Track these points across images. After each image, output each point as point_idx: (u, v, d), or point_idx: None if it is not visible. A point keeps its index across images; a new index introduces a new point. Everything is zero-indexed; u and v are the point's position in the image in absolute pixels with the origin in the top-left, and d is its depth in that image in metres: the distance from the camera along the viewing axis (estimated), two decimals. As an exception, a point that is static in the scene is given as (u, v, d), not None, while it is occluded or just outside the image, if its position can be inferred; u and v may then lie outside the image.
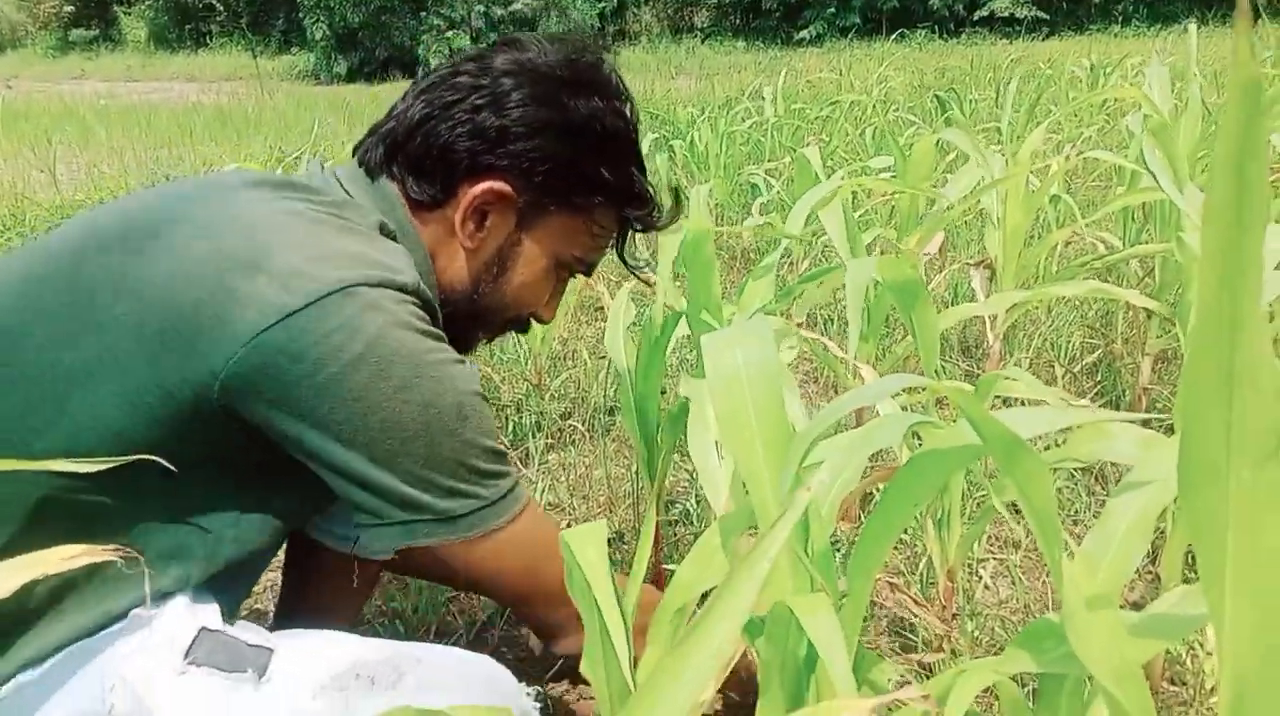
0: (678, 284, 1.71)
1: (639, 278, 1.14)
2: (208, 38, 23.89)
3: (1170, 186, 1.45)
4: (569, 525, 1.75)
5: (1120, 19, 16.51)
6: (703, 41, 18.32)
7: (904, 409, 1.12)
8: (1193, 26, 1.88)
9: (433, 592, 1.53)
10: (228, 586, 0.91)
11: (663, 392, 1.40)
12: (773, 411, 0.70)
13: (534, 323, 1.07)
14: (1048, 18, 16.99)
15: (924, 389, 1.24)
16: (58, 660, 0.81)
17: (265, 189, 0.88)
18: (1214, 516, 0.46)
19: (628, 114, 0.99)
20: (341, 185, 0.94)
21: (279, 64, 19.64)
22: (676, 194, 1.07)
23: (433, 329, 0.85)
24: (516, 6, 17.00)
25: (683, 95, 7.18)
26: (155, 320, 0.77)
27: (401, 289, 0.83)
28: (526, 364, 2.26)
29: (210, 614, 0.87)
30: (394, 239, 0.91)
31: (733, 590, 0.40)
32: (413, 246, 0.93)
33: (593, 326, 2.67)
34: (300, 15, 18.00)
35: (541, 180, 0.94)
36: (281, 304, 0.76)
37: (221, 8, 24.27)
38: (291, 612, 1.24)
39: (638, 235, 1.06)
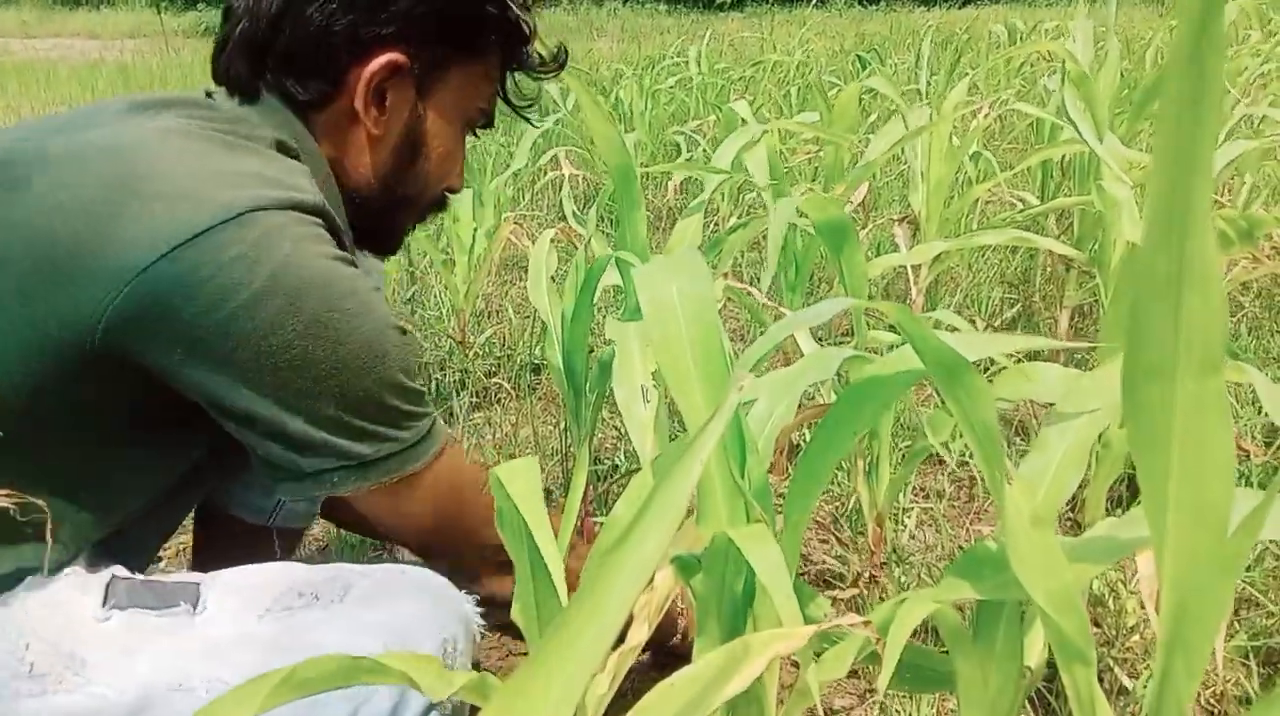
0: (602, 230, 1.68)
1: (525, 118, 1.05)
2: (109, -7, 22.81)
3: (1090, 135, 1.46)
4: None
5: (1034, -11, 16.83)
6: (624, 4, 18.14)
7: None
8: (1112, -16, 1.91)
9: (355, 555, 1.49)
10: (127, 551, 0.85)
11: (590, 351, 1.38)
12: (709, 341, 0.67)
13: (449, 196, 1.00)
14: (964, -13, 17.22)
15: (853, 339, 1.23)
16: None
17: (147, 110, 0.79)
18: (1158, 427, 0.45)
19: None
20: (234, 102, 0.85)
21: (184, 20, 18.87)
22: (559, 47, 0.99)
23: (343, 253, 0.78)
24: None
25: (605, 55, 7.09)
26: (28, 258, 0.70)
27: (306, 209, 0.75)
28: (450, 320, 2.21)
29: (116, 568, 0.81)
30: (295, 156, 0.83)
31: (654, 510, 0.37)
32: (313, 158, 0.85)
33: (518, 285, 2.62)
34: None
35: (432, 37, 0.85)
36: (169, 234, 0.68)
37: (122, -39, 23.16)
38: (206, 563, 1.17)
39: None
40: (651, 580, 0.76)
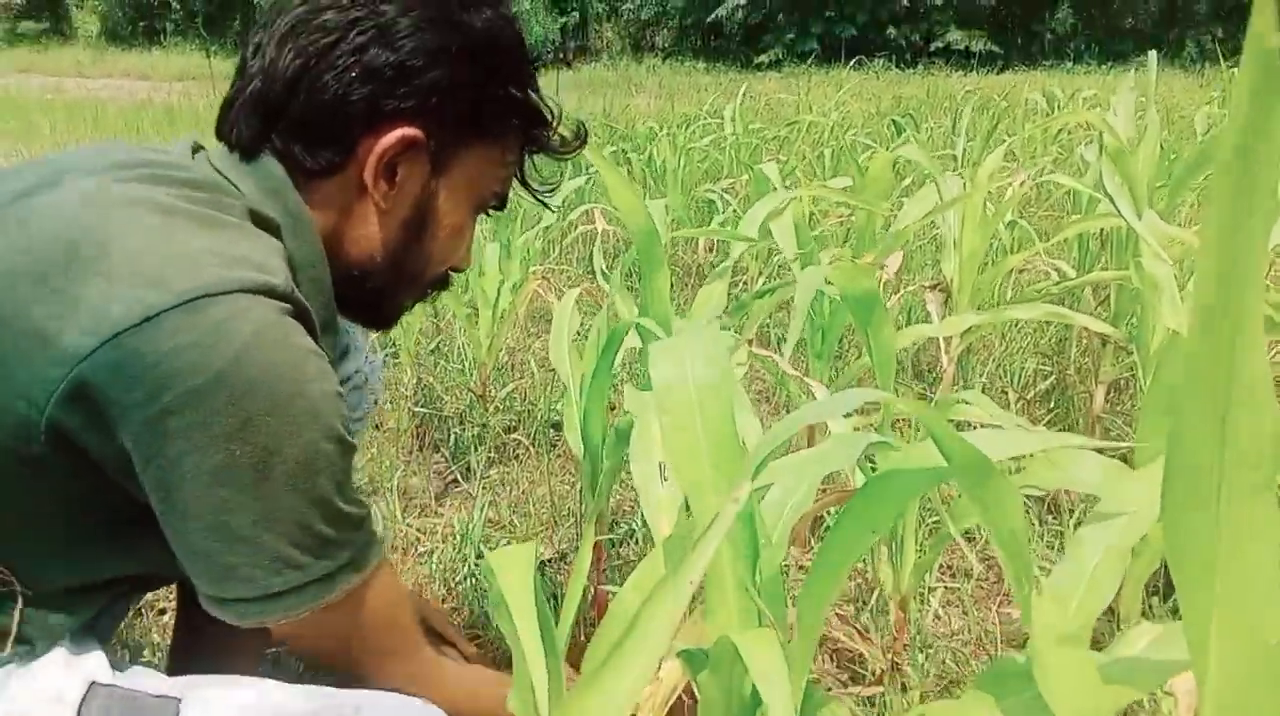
0: (628, 286, 1.66)
1: (542, 203, 1.01)
2: (162, 36, 23.47)
3: (1128, 211, 1.43)
4: (509, 544, 1.68)
5: (1072, 56, 16.91)
6: (663, 61, 18.41)
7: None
8: (1153, 54, 1.88)
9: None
10: (100, 617, 0.81)
11: (612, 408, 1.35)
12: (722, 425, 0.64)
13: (453, 275, 0.95)
14: (1001, 52, 17.35)
15: (880, 409, 1.20)
16: None
17: (112, 172, 0.73)
18: (1200, 549, 0.41)
19: (515, 20, 0.86)
20: (213, 166, 0.79)
21: (233, 65, 19.37)
22: (579, 125, 0.94)
23: (308, 344, 0.71)
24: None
25: (642, 111, 7.16)
26: None
27: (274, 294, 0.69)
28: (471, 374, 2.19)
29: (96, 662, 0.77)
30: (274, 229, 0.77)
31: (654, 609, 0.34)
32: (303, 228, 0.79)
33: (541, 338, 2.60)
34: (256, 16, 17.76)
35: (451, 116, 0.81)
36: (116, 318, 0.63)
37: (177, 5, 23.88)
38: (189, 647, 1.11)
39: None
40: (660, 671, 0.73)
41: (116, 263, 0.65)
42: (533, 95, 0.87)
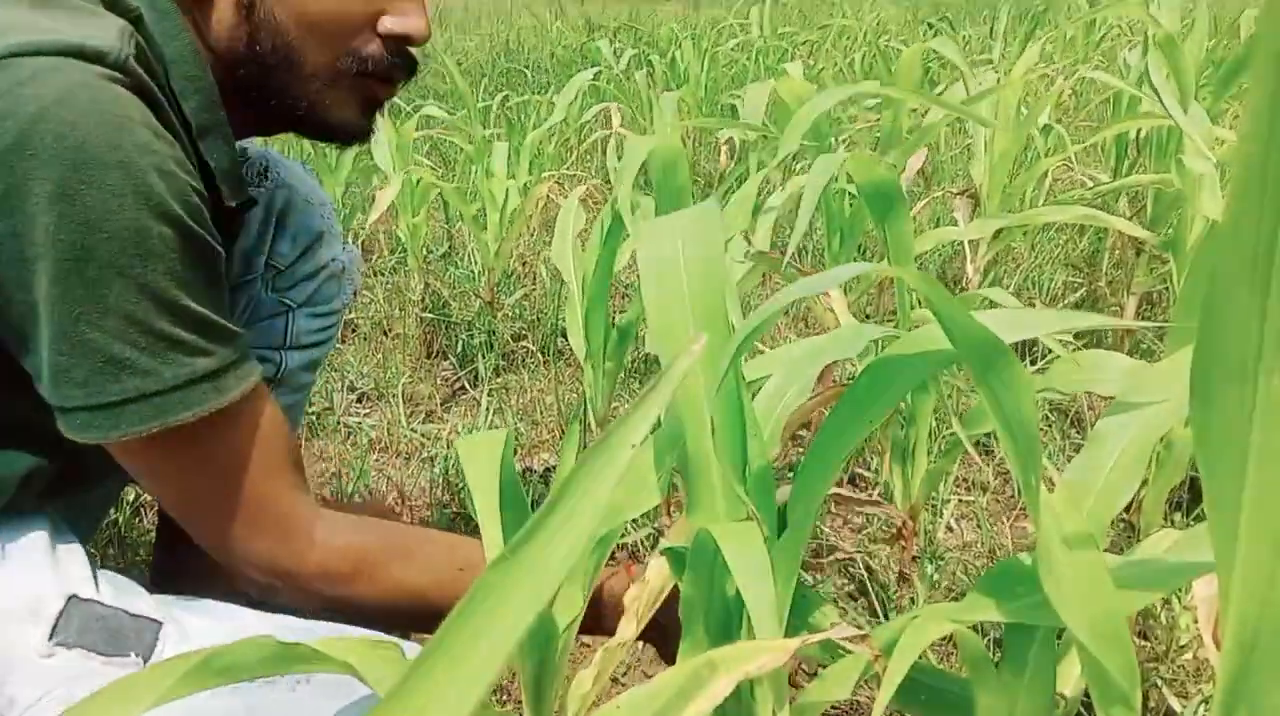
0: (642, 191, 1.59)
1: None
2: None
3: (1173, 105, 1.33)
4: (515, 452, 1.65)
5: (1120, -35, 16.25)
6: (694, -31, 17.88)
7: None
8: (1205, -58, 1.75)
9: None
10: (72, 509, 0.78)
11: (622, 312, 1.30)
12: (711, 304, 0.59)
13: (411, 48, 0.79)
14: (1047, -40, 16.70)
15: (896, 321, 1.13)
16: None
17: None
18: (1232, 433, 0.36)
19: None
20: None
21: None
22: None
23: (149, 120, 0.63)
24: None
25: (668, 16, 6.94)
26: None
27: (97, 59, 0.61)
28: (479, 281, 2.14)
29: (79, 571, 0.72)
30: (134, 19, 0.68)
31: (586, 471, 0.29)
32: (169, 25, 0.70)
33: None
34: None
35: None
36: None
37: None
38: (168, 568, 1.06)
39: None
40: (645, 573, 0.69)
41: None
42: None
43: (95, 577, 0.73)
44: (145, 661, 0.68)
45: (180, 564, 1.00)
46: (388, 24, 0.76)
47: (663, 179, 1.08)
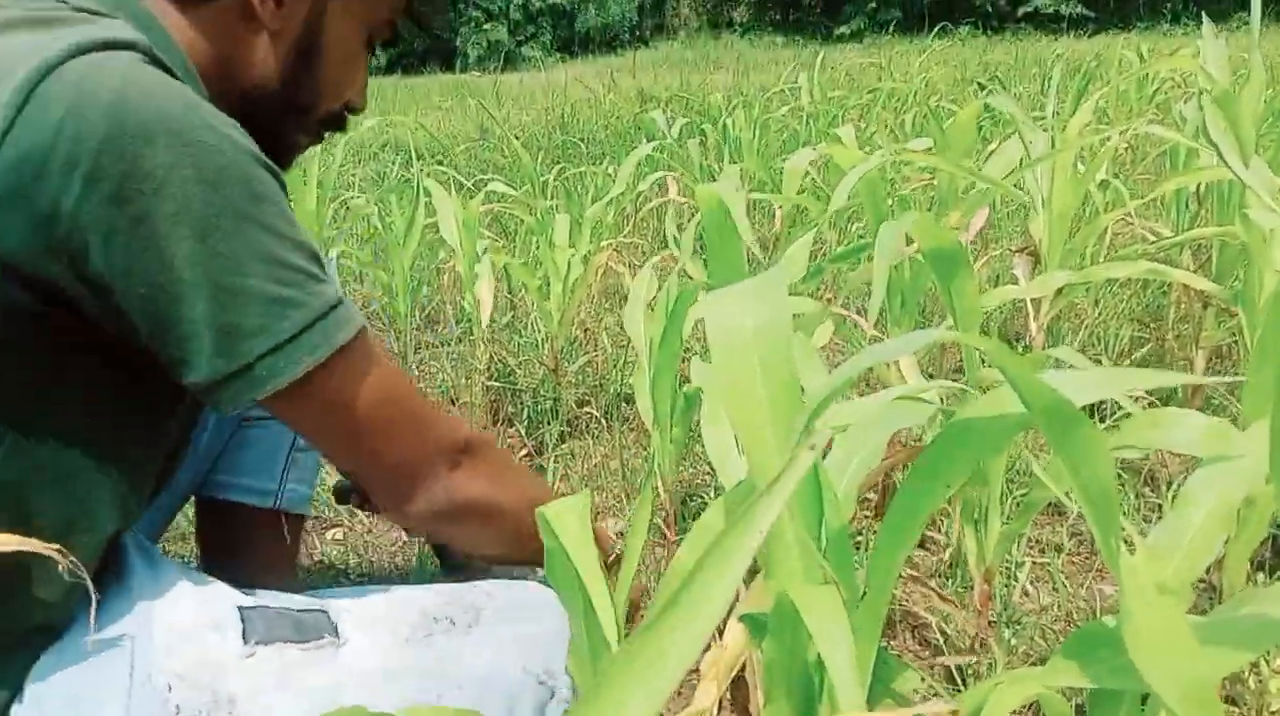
0: (703, 260, 1.62)
1: (436, 34, 0.95)
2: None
3: (1234, 159, 1.33)
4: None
5: (1169, 16, 16.17)
6: (741, 36, 18.19)
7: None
8: (1256, 1, 1.75)
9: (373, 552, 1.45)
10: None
11: (687, 381, 1.32)
12: (781, 372, 0.60)
13: (350, 116, 0.90)
14: (1093, 15, 16.69)
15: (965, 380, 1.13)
16: (43, 686, 0.70)
17: None
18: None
19: None
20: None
21: None
22: None
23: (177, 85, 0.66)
24: None
25: (718, 86, 7.06)
26: None
27: (131, 47, 0.65)
28: (543, 348, 2.18)
29: (216, 587, 0.78)
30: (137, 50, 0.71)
31: (713, 560, 0.31)
32: (162, 42, 0.73)
33: (614, 313, 2.58)
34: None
35: None
36: None
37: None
38: (223, 561, 1.12)
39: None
40: (721, 637, 0.69)
41: None
42: None
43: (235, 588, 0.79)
44: (337, 639, 0.74)
45: (235, 561, 1.09)
46: (357, 102, 0.89)
47: (714, 237, 1.11)
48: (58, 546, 0.47)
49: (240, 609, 0.75)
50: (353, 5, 0.83)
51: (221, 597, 0.76)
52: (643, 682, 0.30)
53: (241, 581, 0.83)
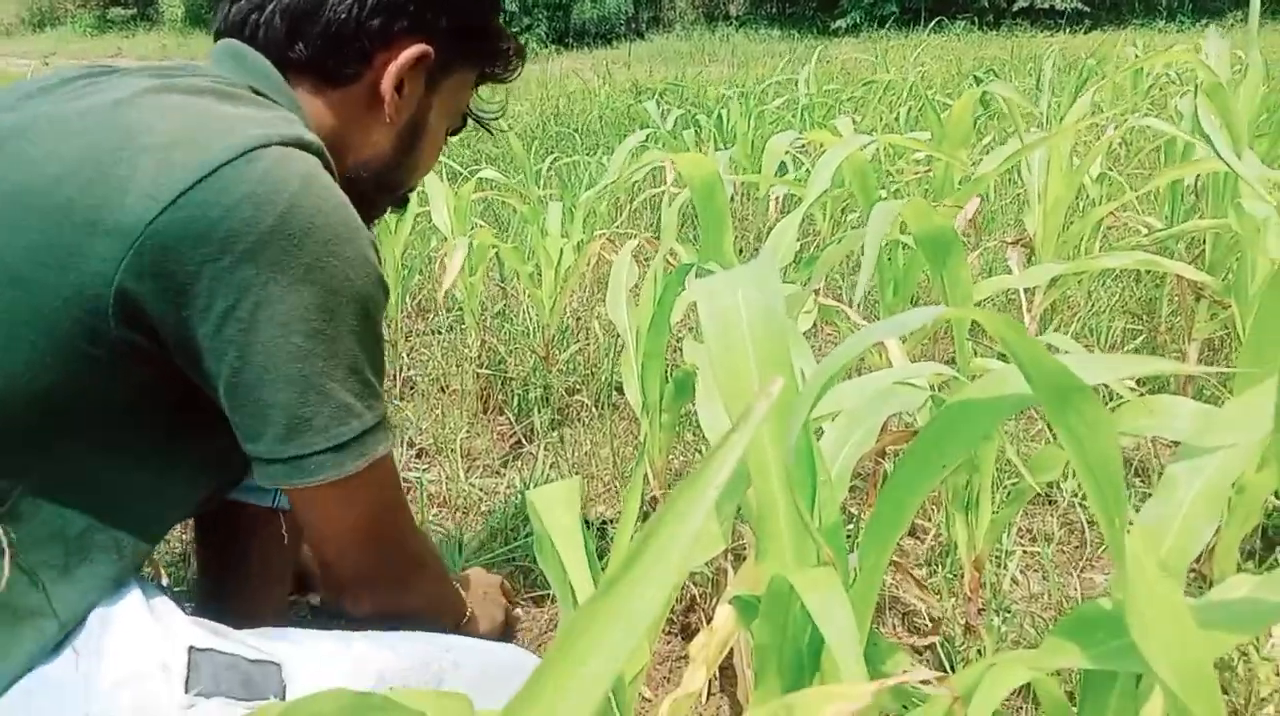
0: (689, 242, 1.61)
1: (488, 128, 1.06)
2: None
3: (1228, 151, 1.33)
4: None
5: (1164, 13, 16.17)
6: (737, 30, 18.14)
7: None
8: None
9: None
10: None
11: (678, 367, 1.31)
12: (776, 356, 0.60)
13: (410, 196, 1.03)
14: (1089, 11, 16.66)
15: (957, 370, 1.13)
16: (12, 697, 0.70)
17: (117, 76, 0.77)
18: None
19: None
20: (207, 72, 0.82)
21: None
22: (521, 48, 0.99)
23: (346, 198, 0.75)
24: (551, -8, 16.90)
25: (714, 78, 7.05)
26: (21, 237, 0.66)
27: (310, 148, 0.73)
28: (535, 336, 2.17)
29: (181, 621, 0.76)
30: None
31: (675, 511, 0.30)
32: (306, 122, 0.82)
33: (606, 303, 2.57)
34: None
35: (451, 36, 0.87)
36: (171, 182, 0.65)
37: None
38: (218, 587, 1.13)
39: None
40: (711, 622, 0.69)
41: (162, 138, 0.68)
42: (500, 22, 0.94)
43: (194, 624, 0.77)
44: (283, 699, 0.72)
45: (228, 592, 1.10)
46: (416, 184, 1.01)
47: (706, 217, 1.11)
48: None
49: (191, 650, 0.73)
50: (447, 102, 0.92)
51: (175, 635, 0.75)
52: (606, 638, 0.29)
53: (238, 581, 0.83)
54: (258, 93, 0.79)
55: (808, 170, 3.01)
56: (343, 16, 0.82)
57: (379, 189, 0.92)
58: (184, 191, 0.65)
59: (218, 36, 0.86)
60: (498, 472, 1.77)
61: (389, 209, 1.00)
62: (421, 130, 0.91)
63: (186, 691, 0.71)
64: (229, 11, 0.84)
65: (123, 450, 0.74)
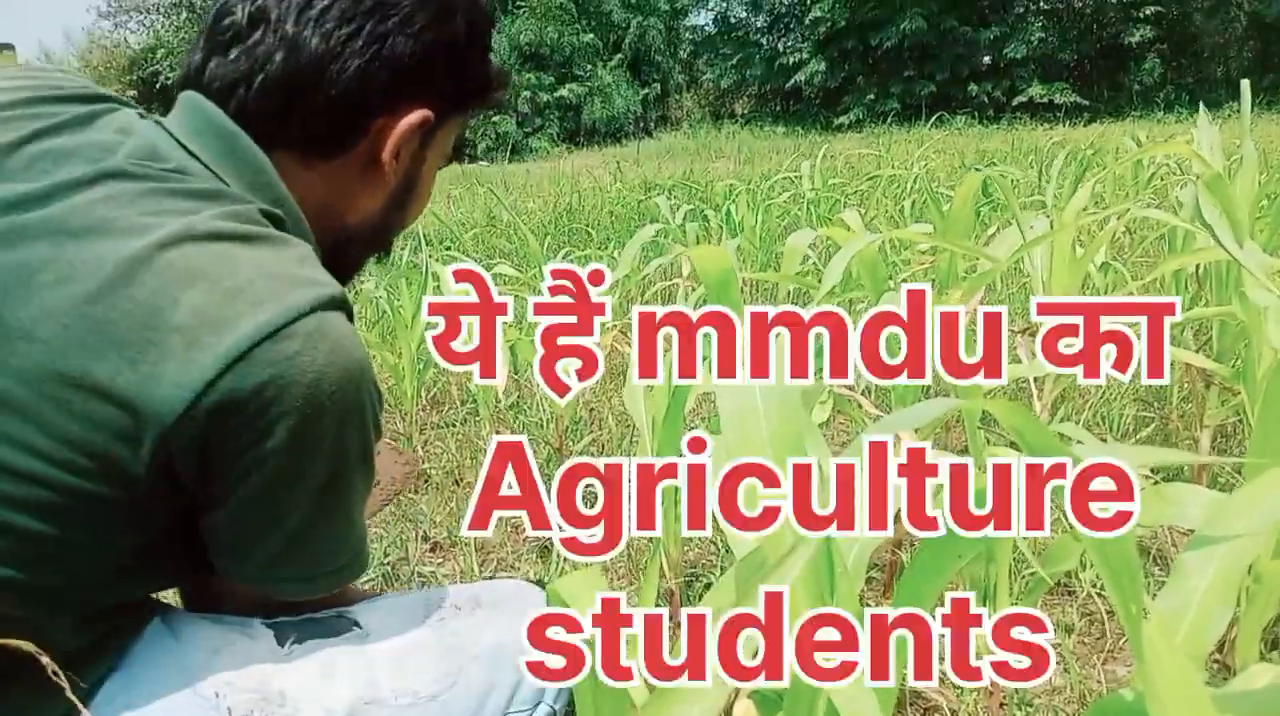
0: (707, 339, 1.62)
1: (466, 157, 1.06)
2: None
3: (1229, 241, 1.35)
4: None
5: (1162, 105, 16.50)
6: (742, 127, 18.57)
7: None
8: (1245, 83, 1.80)
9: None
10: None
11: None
12: (791, 446, 0.61)
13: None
14: (1088, 104, 17.01)
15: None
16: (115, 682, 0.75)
17: (126, 182, 0.70)
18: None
19: None
20: (187, 151, 0.75)
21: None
22: (506, 75, 0.96)
23: (366, 352, 0.74)
24: (561, 92, 17.36)
25: (721, 174, 7.20)
26: (56, 430, 0.65)
27: (337, 304, 0.71)
28: (549, 427, 2.18)
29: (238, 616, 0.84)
30: (281, 222, 0.77)
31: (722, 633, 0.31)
32: (295, 218, 0.79)
33: (620, 394, 2.59)
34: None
35: (452, 97, 0.86)
36: (204, 369, 0.64)
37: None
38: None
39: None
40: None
41: (188, 314, 0.65)
42: (495, 64, 0.92)
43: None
44: (363, 629, 0.85)
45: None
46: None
47: (719, 297, 1.13)
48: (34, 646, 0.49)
49: (262, 623, 0.83)
50: (439, 146, 0.89)
51: (243, 618, 0.84)
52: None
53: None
54: (265, 212, 0.76)
55: (814, 264, 3.07)
56: (344, 90, 0.78)
57: (370, 244, 0.92)
58: (213, 381, 0.64)
59: (183, 86, 0.80)
60: (513, 567, 1.77)
61: (373, 258, 0.98)
62: (415, 184, 0.89)
63: (280, 646, 0.80)
64: (204, 76, 0.79)
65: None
